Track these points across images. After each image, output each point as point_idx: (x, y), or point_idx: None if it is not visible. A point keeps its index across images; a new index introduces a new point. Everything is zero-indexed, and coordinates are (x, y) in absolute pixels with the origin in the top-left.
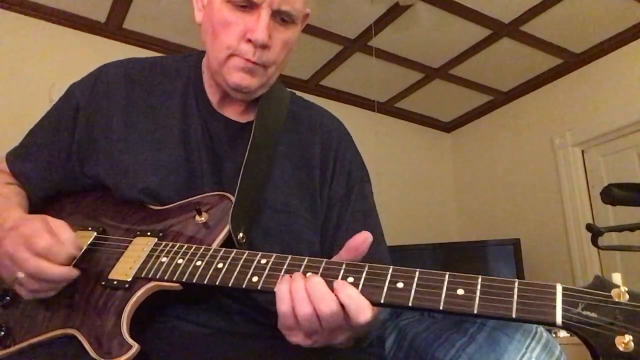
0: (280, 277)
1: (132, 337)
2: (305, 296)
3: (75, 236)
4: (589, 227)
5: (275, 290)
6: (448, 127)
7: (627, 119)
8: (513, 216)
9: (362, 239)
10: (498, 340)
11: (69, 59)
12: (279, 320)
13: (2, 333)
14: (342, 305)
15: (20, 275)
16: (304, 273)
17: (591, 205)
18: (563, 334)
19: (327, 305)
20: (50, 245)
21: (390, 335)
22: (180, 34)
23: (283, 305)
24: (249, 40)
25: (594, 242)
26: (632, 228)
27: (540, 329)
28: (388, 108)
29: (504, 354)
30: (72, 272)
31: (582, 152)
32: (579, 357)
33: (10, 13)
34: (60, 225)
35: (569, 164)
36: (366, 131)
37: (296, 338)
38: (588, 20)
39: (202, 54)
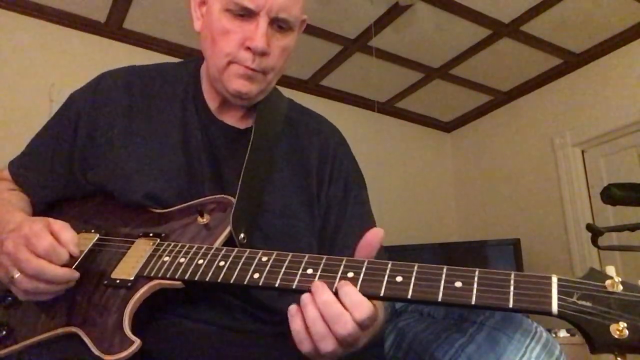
0: (279, 275)
1: (133, 334)
2: (326, 330)
3: (77, 237)
4: (589, 227)
5: (291, 328)
6: (448, 127)
7: (627, 119)
8: (513, 216)
9: (375, 233)
10: (497, 340)
11: (69, 59)
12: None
13: (4, 333)
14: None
15: (16, 274)
16: (305, 271)
17: (591, 205)
18: (563, 334)
19: (344, 326)
20: (51, 246)
21: (390, 335)
22: (181, 33)
23: (304, 346)
24: (248, 48)
25: (594, 242)
26: (632, 228)
27: (540, 328)
28: (388, 108)
29: (504, 353)
30: (73, 274)
31: (582, 152)
32: (579, 357)
33: (10, 13)
34: (61, 226)
35: (569, 164)
36: (366, 131)
37: None
38: (588, 20)
39: (200, 60)
